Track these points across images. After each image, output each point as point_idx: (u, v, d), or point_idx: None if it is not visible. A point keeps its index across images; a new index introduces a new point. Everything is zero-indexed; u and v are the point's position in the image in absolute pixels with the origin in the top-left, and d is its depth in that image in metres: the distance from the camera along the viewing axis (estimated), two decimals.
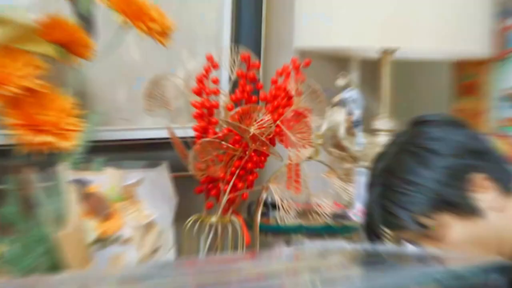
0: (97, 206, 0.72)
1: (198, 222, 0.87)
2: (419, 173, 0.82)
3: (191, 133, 0.85)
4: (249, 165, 0.85)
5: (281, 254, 0.78)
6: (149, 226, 0.77)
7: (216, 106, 0.86)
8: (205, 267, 0.63)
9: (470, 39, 1.10)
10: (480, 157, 0.84)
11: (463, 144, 0.85)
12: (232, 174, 0.84)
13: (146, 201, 0.79)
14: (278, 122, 0.84)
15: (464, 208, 0.82)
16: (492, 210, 0.83)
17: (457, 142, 0.85)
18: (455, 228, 0.83)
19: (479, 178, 0.81)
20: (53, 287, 0.49)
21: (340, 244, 0.83)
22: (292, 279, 0.52)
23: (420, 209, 0.81)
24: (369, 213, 0.85)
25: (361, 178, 0.90)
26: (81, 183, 0.70)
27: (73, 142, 0.70)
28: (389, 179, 0.83)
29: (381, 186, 0.83)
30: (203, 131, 0.84)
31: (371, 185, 0.85)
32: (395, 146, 0.86)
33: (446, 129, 0.87)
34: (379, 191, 0.83)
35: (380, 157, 0.86)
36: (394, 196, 0.82)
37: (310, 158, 0.84)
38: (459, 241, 0.83)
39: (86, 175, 0.73)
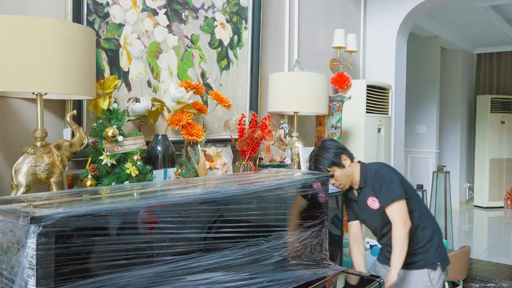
0: (209, 157, 2.53)
1: (237, 164, 2.71)
2: (325, 154, 2.15)
3: (236, 136, 2.70)
4: (254, 146, 2.72)
5: (264, 172, 2.63)
6: (224, 164, 2.60)
7: (243, 129, 2.72)
8: (240, 176, 2.47)
9: (322, 107, 3.02)
10: (343, 148, 2.22)
11: (337, 145, 2.21)
12: (250, 149, 2.70)
13: (224, 156, 2.62)
14: (263, 133, 2.74)
15: (340, 165, 2.16)
16: (347, 165, 2.18)
17: (335, 145, 2.20)
18: (337, 171, 2.15)
19: (344, 155, 2.19)
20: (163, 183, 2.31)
21: (278, 170, 2.71)
22: (269, 179, 2.40)
23: (326, 165, 2.14)
24: (310, 165, 2.20)
25: (289, 151, 2.82)
26: (203, 150, 2.52)
27: (201, 139, 2.50)
28: (316, 156, 2.17)
29: (313, 157, 2.18)
30: (241, 136, 2.70)
31: (311, 156, 2.20)
32: (317, 148, 2.21)
33: (330, 142, 2.24)
34: (313, 158, 2.18)
35: (313, 151, 2.24)
36: (318, 161, 2.16)
37: (272, 143, 2.74)
38: (338, 175, 2.16)
39: (205, 148, 2.54)
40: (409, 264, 2.10)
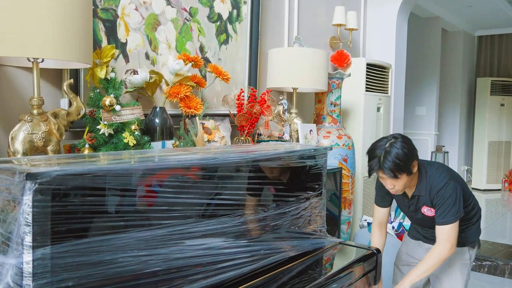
0: (207, 130, 2.52)
1: (236, 139, 2.70)
2: (399, 157, 1.82)
3: (234, 111, 2.69)
4: (252, 121, 2.71)
5: (263, 145, 2.61)
6: (222, 137, 2.59)
7: (242, 104, 2.70)
8: (239, 146, 2.45)
9: (321, 83, 3.00)
10: (416, 154, 1.88)
11: (413, 147, 1.88)
12: (249, 124, 2.69)
13: (222, 130, 2.61)
14: (261, 108, 2.72)
15: (409, 173, 1.86)
16: (414, 171, 1.88)
17: (411, 147, 1.87)
18: (403, 178, 1.86)
19: (415, 161, 1.89)
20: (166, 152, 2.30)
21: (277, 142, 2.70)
22: (268, 149, 2.39)
23: (396, 171, 1.83)
24: (372, 156, 1.89)
25: (287, 127, 2.81)
26: (202, 123, 2.50)
27: (200, 112, 2.49)
28: (387, 154, 1.84)
29: (383, 153, 1.85)
30: (240, 111, 2.68)
31: (378, 148, 1.88)
32: (389, 143, 1.87)
33: (407, 142, 1.88)
34: (381, 153, 1.84)
35: (381, 143, 1.89)
36: (387, 161, 1.83)
37: (271, 119, 2.73)
38: (401, 181, 1.87)
39: (203, 121, 2.52)
40: None
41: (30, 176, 0.94)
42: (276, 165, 1.68)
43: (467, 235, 2.07)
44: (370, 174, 1.94)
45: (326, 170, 1.97)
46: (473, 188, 7.07)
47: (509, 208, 6.08)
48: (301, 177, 1.82)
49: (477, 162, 7.03)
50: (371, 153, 1.92)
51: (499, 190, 7.03)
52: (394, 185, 1.90)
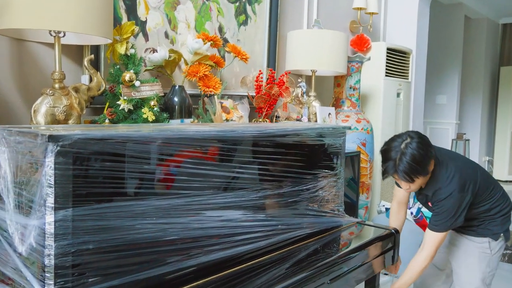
0: (225, 109, 2.52)
1: (254, 121, 2.70)
2: (416, 159, 1.73)
3: (252, 93, 2.68)
4: (271, 103, 2.70)
5: (281, 123, 2.60)
6: (241, 117, 2.59)
7: (260, 85, 2.69)
8: (258, 123, 2.45)
9: (340, 66, 2.97)
10: (433, 155, 1.80)
11: (429, 148, 1.80)
12: (267, 106, 2.68)
13: (241, 110, 2.60)
14: (280, 90, 2.71)
15: (426, 174, 1.80)
16: (430, 171, 1.81)
17: (428, 148, 1.78)
18: (420, 179, 1.80)
19: (432, 161, 1.81)
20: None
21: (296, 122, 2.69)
22: (284, 125, 2.37)
23: (412, 174, 1.75)
24: (387, 156, 1.79)
25: (306, 110, 2.79)
26: (220, 102, 2.50)
27: (218, 91, 2.48)
28: (403, 155, 1.74)
29: (399, 155, 1.74)
30: (258, 92, 2.68)
31: (392, 148, 1.78)
32: (405, 144, 1.76)
33: (424, 142, 1.80)
34: (397, 155, 1.75)
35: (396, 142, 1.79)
36: (402, 164, 1.74)
37: (289, 101, 2.72)
38: (418, 183, 1.81)
39: (222, 100, 2.52)
40: (471, 230, 2.03)
41: (52, 138, 0.95)
42: (295, 141, 1.67)
43: (489, 227, 2.00)
44: (384, 177, 1.86)
45: (344, 150, 1.95)
46: None
47: None
48: (320, 155, 1.81)
49: (499, 153, 6.90)
50: (385, 154, 1.82)
51: None
52: (410, 186, 1.85)
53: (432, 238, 1.88)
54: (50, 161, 0.96)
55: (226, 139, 1.37)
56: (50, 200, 0.97)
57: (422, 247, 1.91)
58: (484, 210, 1.97)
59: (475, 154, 6.66)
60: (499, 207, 1.99)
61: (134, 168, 1.14)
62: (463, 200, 1.84)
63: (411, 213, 3.06)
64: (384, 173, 1.83)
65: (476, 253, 2.01)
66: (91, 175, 1.05)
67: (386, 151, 1.83)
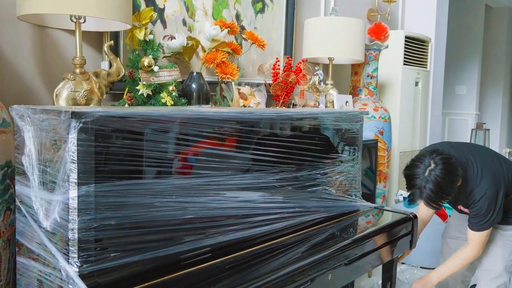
0: (242, 95, 2.53)
1: (272, 106, 2.71)
2: (445, 187, 1.70)
3: (269, 81, 2.69)
4: (288, 90, 2.71)
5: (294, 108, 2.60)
6: (258, 103, 2.59)
7: (277, 73, 2.70)
8: (275, 108, 2.44)
9: (358, 54, 2.95)
10: (458, 176, 1.74)
11: (458, 170, 1.73)
12: (284, 94, 2.69)
13: (258, 96, 2.61)
14: (297, 77, 2.71)
15: (452, 194, 1.75)
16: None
17: (457, 171, 1.72)
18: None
19: (458, 182, 1.75)
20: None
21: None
22: (301, 110, 2.37)
23: (440, 201, 1.73)
24: (413, 179, 1.73)
25: (323, 98, 2.79)
26: (238, 88, 2.52)
27: (235, 78, 2.49)
28: (429, 182, 1.69)
29: (425, 181, 1.69)
30: (275, 80, 2.68)
31: (418, 172, 1.72)
32: (434, 166, 1.70)
33: (453, 168, 1.72)
34: (423, 181, 1.70)
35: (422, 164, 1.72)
36: (431, 191, 1.69)
37: (306, 89, 2.72)
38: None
39: (239, 87, 2.53)
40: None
41: (75, 115, 0.98)
42: (312, 125, 1.67)
43: None
44: (411, 202, 1.86)
45: (362, 135, 1.95)
46: None
47: None
48: (337, 140, 1.81)
49: None
50: (410, 181, 1.78)
51: None
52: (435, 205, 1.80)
53: (476, 236, 1.89)
54: (73, 137, 0.99)
55: (245, 120, 1.38)
56: (73, 176, 1.00)
57: (467, 244, 1.93)
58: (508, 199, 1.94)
59: (496, 146, 6.55)
60: None
61: (154, 147, 1.16)
62: (498, 195, 1.82)
63: None
64: (411, 201, 1.82)
65: (500, 241, 2.00)
66: (112, 152, 1.07)
67: (410, 177, 1.78)
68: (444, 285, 2.25)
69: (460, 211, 2.04)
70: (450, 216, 2.38)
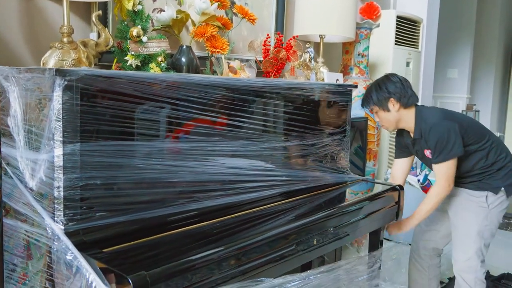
0: (232, 69, 2.53)
1: None
2: (373, 93, 2.03)
3: (260, 58, 2.69)
4: (278, 67, 2.71)
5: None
6: (248, 77, 2.59)
7: (268, 49, 2.70)
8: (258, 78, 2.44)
9: (349, 31, 2.95)
10: (395, 93, 1.99)
11: (393, 87, 2.00)
12: (275, 70, 2.69)
13: (248, 71, 2.61)
14: (288, 54, 2.71)
15: (384, 108, 2.00)
16: (393, 110, 2.00)
17: (390, 86, 2.01)
18: (379, 112, 2.02)
19: (392, 99, 1.99)
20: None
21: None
22: (290, 80, 2.38)
23: (368, 105, 2.05)
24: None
25: (313, 76, 2.80)
26: (227, 62, 2.52)
27: (225, 52, 2.47)
28: (367, 91, 2.07)
29: (366, 91, 2.10)
30: (266, 56, 2.68)
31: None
32: (374, 82, 2.10)
33: (389, 81, 2.04)
34: (365, 92, 2.10)
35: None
36: (365, 97, 2.06)
37: (297, 66, 2.72)
38: (381, 116, 2.04)
39: (229, 61, 2.53)
40: (471, 184, 2.06)
41: (59, 72, 0.98)
42: (301, 96, 1.68)
43: (489, 182, 2.03)
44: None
45: (350, 109, 1.96)
46: None
47: None
48: (326, 112, 1.82)
49: (511, 129, 6.83)
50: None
51: None
52: (378, 119, 2.09)
53: (438, 170, 1.95)
54: (58, 95, 0.99)
55: (232, 87, 1.39)
56: (59, 134, 1.00)
57: (435, 182, 1.99)
58: (481, 159, 2.00)
59: None
60: (500, 161, 2.01)
61: (141, 110, 1.16)
62: (450, 126, 1.93)
63: (418, 180, 3.07)
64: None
65: (473, 207, 2.03)
66: (98, 112, 1.07)
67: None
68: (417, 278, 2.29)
69: (429, 160, 2.05)
70: None
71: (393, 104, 2.00)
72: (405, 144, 2.15)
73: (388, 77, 2.08)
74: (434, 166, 1.96)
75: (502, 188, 2.02)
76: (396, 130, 2.16)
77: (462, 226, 2.05)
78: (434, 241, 2.22)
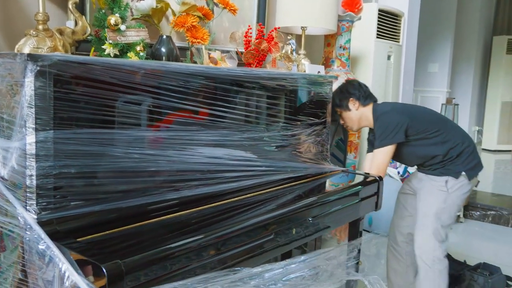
0: (213, 59, 2.51)
1: None
2: (334, 95, 2.17)
3: (242, 49, 2.67)
4: (260, 58, 2.70)
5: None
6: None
7: (249, 41, 2.68)
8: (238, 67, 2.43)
9: (331, 23, 2.95)
10: (352, 93, 2.16)
11: (350, 88, 2.20)
12: (256, 62, 2.68)
13: (228, 62, 2.59)
14: (269, 45, 2.70)
15: (344, 108, 2.17)
16: (354, 109, 2.17)
17: (348, 88, 2.21)
18: (342, 113, 2.18)
19: (352, 99, 2.17)
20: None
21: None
22: (270, 70, 2.38)
23: (333, 105, 2.17)
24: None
25: (295, 67, 2.80)
26: (208, 53, 2.50)
27: (206, 42, 2.46)
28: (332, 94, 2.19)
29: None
30: (247, 48, 2.67)
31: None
32: (338, 88, 2.26)
33: (347, 84, 2.26)
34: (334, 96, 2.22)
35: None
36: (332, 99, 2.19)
37: (279, 58, 2.71)
38: (344, 117, 2.20)
39: (210, 51, 2.51)
40: (435, 170, 2.13)
41: (31, 57, 0.95)
42: (281, 86, 1.67)
43: (450, 167, 2.11)
44: None
45: (331, 99, 1.96)
46: (483, 149, 7.02)
47: None
48: (306, 102, 1.82)
49: (489, 123, 6.95)
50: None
51: (510, 151, 6.97)
52: (342, 121, 2.23)
53: (375, 155, 2.05)
54: (29, 81, 0.96)
55: (212, 76, 1.37)
56: (31, 121, 0.98)
57: (370, 169, 2.07)
58: (439, 147, 2.09)
59: (465, 124, 6.71)
60: (457, 147, 2.10)
61: (117, 97, 1.14)
62: (395, 116, 2.06)
63: (398, 172, 3.10)
64: None
65: (434, 190, 2.11)
66: (73, 99, 1.05)
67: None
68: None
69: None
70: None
71: (353, 103, 2.17)
72: (371, 141, 2.25)
73: (348, 82, 2.33)
74: (374, 151, 2.06)
75: (463, 173, 2.10)
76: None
77: (421, 208, 2.13)
78: (409, 226, 2.27)
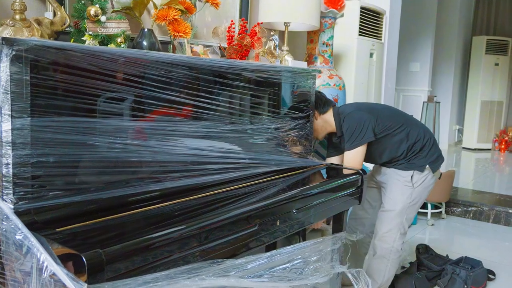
0: (195, 53, 2.48)
1: None
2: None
3: (224, 45, 2.67)
4: (243, 54, 2.68)
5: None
6: None
7: (232, 36, 2.67)
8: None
9: (314, 19, 2.96)
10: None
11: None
12: (239, 57, 2.66)
13: (211, 56, 2.57)
14: (252, 40, 2.69)
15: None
16: (315, 119, 2.10)
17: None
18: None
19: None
20: None
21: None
22: (252, 62, 2.36)
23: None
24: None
25: (278, 63, 2.79)
26: (191, 47, 2.48)
27: (188, 36, 2.44)
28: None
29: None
30: (230, 43, 2.65)
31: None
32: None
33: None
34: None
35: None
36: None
37: (261, 53, 2.71)
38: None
39: (193, 45, 2.49)
40: (399, 164, 2.16)
41: (7, 41, 0.92)
42: (263, 78, 1.66)
43: (414, 161, 2.15)
44: None
45: (314, 93, 1.96)
46: (463, 148, 7.13)
47: (498, 166, 6.15)
48: (289, 96, 1.81)
49: (469, 121, 7.06)
50: None
51: (489, 149, 7.09)
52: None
53: (348, 156, 2.03)
54: (5, 66, 0.93)
55: (194, 66, 1.36)
56: (7, 108, 0.94)
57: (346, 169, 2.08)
58: (402, 142, 2.11)
59: (446, 123, 6.80)
60: (420, 141, 2.14)
61: (97, 85, 1.12)
62: (361, 115, 2.05)
63: None
64: None
65: (399, 186, 2.15)
66: (51, 86, 1.02)
67: None
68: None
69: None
70: None
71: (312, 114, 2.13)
72: (334, 144, 2.25)
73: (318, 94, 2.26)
74: (345, 153, 2.05)
75: (427, 166, 2.14)
76: None
77: (387, 202, 2.17)
78: (370, 217, 2.34)
